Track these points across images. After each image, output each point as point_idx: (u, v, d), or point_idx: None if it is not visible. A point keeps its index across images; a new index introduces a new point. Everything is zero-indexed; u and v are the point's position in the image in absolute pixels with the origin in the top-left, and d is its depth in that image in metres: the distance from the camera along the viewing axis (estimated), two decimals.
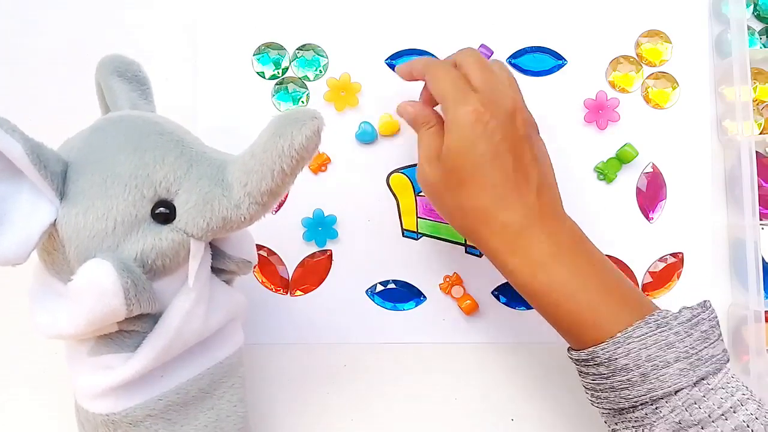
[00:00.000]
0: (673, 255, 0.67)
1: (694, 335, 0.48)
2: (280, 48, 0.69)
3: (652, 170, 0.67)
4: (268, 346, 0.67)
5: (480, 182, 0.52)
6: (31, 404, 0.66)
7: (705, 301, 0.50)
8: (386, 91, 0.68)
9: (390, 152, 0.68)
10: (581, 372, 0.52)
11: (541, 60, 0.68)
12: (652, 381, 0.47)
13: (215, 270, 0.52)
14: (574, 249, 0.52)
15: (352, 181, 0.68)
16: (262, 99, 0.68)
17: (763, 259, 0.63)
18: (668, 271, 0.67)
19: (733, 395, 0.47)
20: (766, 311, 0.62)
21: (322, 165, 0.68)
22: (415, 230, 0.68)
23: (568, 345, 0.54)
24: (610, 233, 0.66)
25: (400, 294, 0.67)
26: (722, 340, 0.50)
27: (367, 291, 0.68)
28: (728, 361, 0.49)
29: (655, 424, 0.47)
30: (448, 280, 0.67)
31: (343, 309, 0.68)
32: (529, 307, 0.67)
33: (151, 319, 0.48)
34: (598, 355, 0.49)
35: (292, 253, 0.68)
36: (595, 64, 0.68)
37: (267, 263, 0.68)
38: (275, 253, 0.68)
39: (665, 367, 0.47)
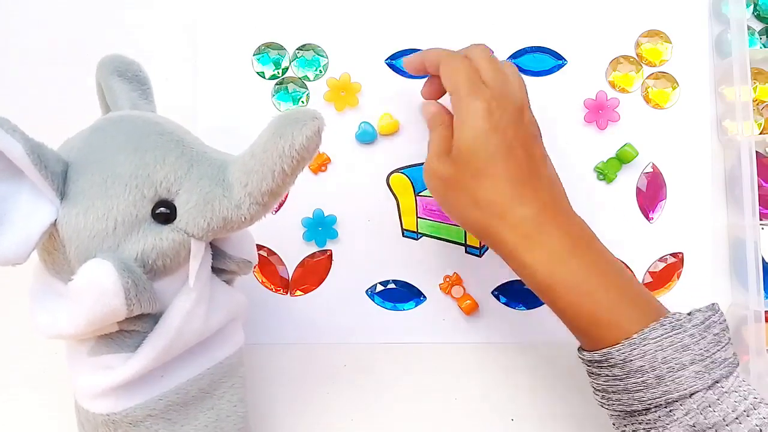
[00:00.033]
0: (673, 255, 0.67)
1: (708, 338, 0.47)
2: (280, 48, 0.69)
3: (652, 170, 0.67)
4: (268, 346, 0.67)
5: (495, 175, 0.51)
6: (31, 404, 0.66)
7: (713, 304, 0.50)
8: (386, 91, 0.68)
9: (390, 152, 0.68)
10: (592, 373, 0.52)
11: (541, 60, 0.68)
12: (668, 383, 0.46)
13: (216, 270, 0.52)
14: (590, 246, 0.52)
15: (352, 181, 0.68)
16: (262, 99, 0.68)
17: (763, 259, 0.63)
18: (668, 271, 0.67)
19: (746, 399, 0.46)
20: (766, 311, 0.62)
21: (322, 165, 0.68)
22: (415, 230, 0.68)
23: (579, 345, 0.53)
24: (610, 233, 0.66)
25: (400, 294, 0.67)
26: (731, 343, 0.49)
27: (367, 291, 0.68)
28: (738, 364, 0.49)
29: (668, 426, 0.47)
30: (448, 280, 0.67)
31: (343, 309, 0.68)
32: (529, 307, 0.67)
33: (152, 319, 0.48)
34: (613, 356, 0.48)
35: (292, 253, 0.68)
36: (595, 64, 0.68)
37: (267, 263, 0.68)
38: (275, 253, 0.68)
39: (681, 369, 0.46)
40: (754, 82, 0.67)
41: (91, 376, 0.47)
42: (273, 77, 0.68)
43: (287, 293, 0.68)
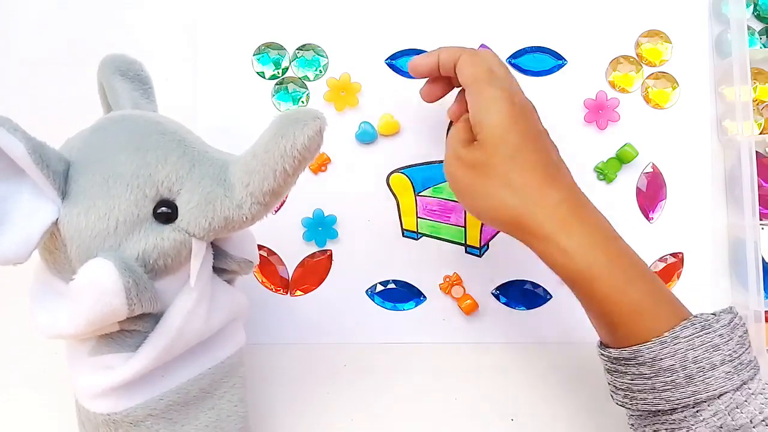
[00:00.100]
0: (673, 255, 0.67)
1: (734, 339, 0.47)
2: (280, 48, 0.69)
3: (652, 170, 0.67)
4: (269, 346, 0.67)
5: (527, 158, 0.50)
6: (31, 404, 0.66)
7: (731, 307, 0.49)
8: (386, 91, 0.68)
9: (390, 152, 0.68)
10: (616, 371, 0.50)
11: (541, 60, 0.68)
12: (698, 383, 0.46)
13: (217, 270, 0.52)
14: (619, 238, 0.51)
15: (352, 181, 0.68)
16: (262, 99, 0.68)
17: (763, 259, 0.63)
18: (668, 271, 0.67)
19: None
20: (766, 311, 0.62)
21: (322, 165, 0.68)
22: (415, 230, 0.68)
23: (599, 341, 0.52)
24: None
25: (400, 294, 0.67)
26: (751, 346, 0.49)
27: (367, 291, 0.68)
28: (759, 368, 0.48)
29: (694, 427, 0.46)
30: (448, 280, 0.67)
31: (343, 309, 0.68)
32: (529, 307, 0.67)
33: (153, 318, 0.48)
34: (642, 354, 0.47)
35: (292, 253, 0.68)
36: (595, 64, 0.68)
37: (267, 263, 0.68)
38: (275, 253, 0.68)
39: (711, 369, 0.46)
40: (754, 82, 0.67)
41: (92, 375, 0.47)
42: (273, 77, 0.68)
43: (287, 293, 0.68)
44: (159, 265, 0.46)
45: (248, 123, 0.68)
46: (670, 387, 0.47)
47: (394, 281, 0.67)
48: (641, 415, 0.50)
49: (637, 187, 0.67)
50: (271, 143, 0.43)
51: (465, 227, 0.67)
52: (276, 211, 0.67)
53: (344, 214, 0.68)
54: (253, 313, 0.65)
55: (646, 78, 0.68)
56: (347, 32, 0.69)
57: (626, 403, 0.50)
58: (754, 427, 0.45)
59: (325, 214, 0.67)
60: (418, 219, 0.68)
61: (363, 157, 0.68)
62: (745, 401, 0.45)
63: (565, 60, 0.68)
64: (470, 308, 0.66)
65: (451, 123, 0.62)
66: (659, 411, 0.48)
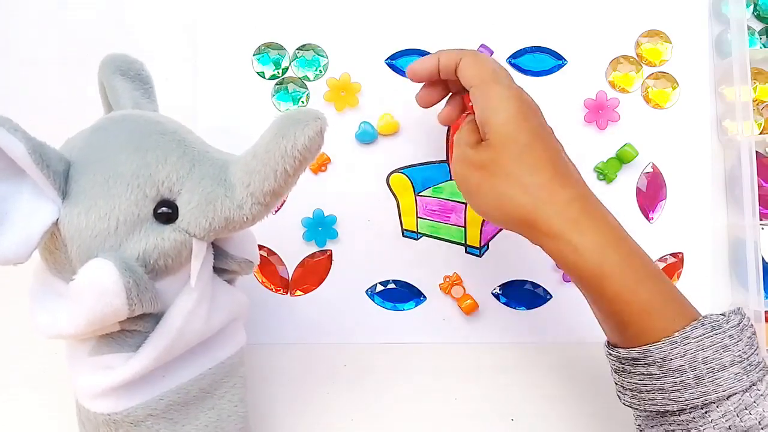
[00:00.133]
0: (673, 255, 0.67)
1: (744, 340, 0.46)
2: (280, 48, 0.69)
3: (652, 170, 0.67)
4: (269, 346, 0.67)
5: (537, 156, 0.50)
6: (31, 404, 0.66)
7: (739, 308, 0.49)
8: (386, 91, 0.68)
9: (390, 152, 0.68)
10: (624, 371, 0.50)
11: (541, 60, 0.68)
12: (707, 384, 0.45)
13: (217, 270, 0.52)
14: (629, 237, 0.50)
15: (352, 181, 0.68)
16: (262, 99, 0.68)
17: (763, 259, 0.63)
18: (668, 271, 0.67)
19: None
20: (766, 311, 0.62)
21: (322, 165, 0.68)
22: (415, 230, 0.68)
23: (607, 341, 0.52)
24: None
25: (400, 294, 0.67)
26: (759, 347, 0.48)
27: (367, 291, 0.68)
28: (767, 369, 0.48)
29: (702, 428, 0.46)
30: (448, 280, 0.67)
31: (343, 309, 0.68)
32: (529, 307, 0.67)
33: (153, 318, 0.48)
34: (652, 354, 0.46)
35: (292, 253, 0.68)
36: (595, 64, 0.68)
37: (267, 263, 0.68)
38: (275, 253, 0.68)
39: (721, 370, 0.45)
40: (754, 82, 0.67)
41: (93, 375, 0.47)
42: (273, 77, 0.68)
43: (287, 293, 0.68)
44: (159, 266, 0.46)
45: (248, 123, 0.68)
46: (679, 387, 0.46)
47: (394, 281, 0.67)
48: (649, 416, 0.50)
49: (637, 187, 0.67)
50: (272, 143, 0.43)
51: (465, 227, 0.67)
52: (276, 211, 0.67)
53: (344, 214, 0.68)
54: (253, 313, 0.65)
55: (646, 78, 0.68)
56: (347, 32, 0.69)
57: (634, 403, 0.50)
58: (762, 429, 0.45)
59: (325, 214, 0.67)
60: (418, 219, 0.68)
61: (363, 157, 0.68)
62: (754, 402, 0.45)
63: (565, 60, 0.68)
64: (470, 308, 0.66)
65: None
66: (667, 412, 0.48)
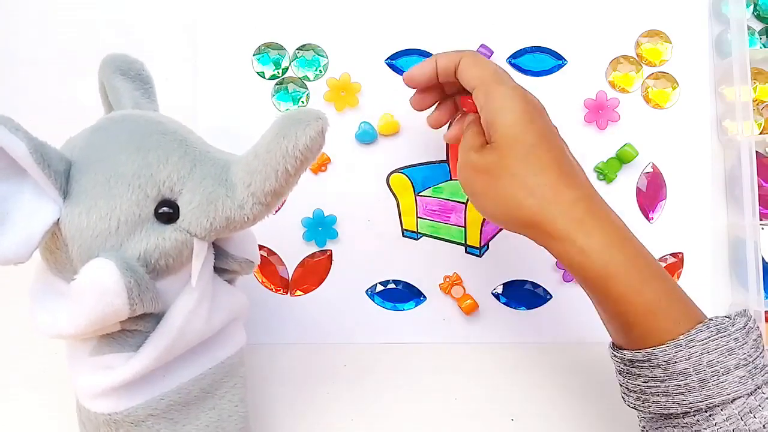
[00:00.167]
0: (673, 255, 0.67)
1: (749, 343, 0.46)
2: (280, 48, 0.69)
3: (652, 170, 0.67)
4: (269, 346, 0.67)
5: (542, 157, 0.50)
6: (31, 404, 0.66)
7: (745, 310, 0.49)
8: (386, 91, 0.68)
9: (390, 152, 0.68)
10: (628, 372, 0.49)
11: (541, 60, 0.68)
12: (711, 387, 0.45)
13: (218, 270, 0.52)
14: (634, 238, 0.50)
15: (352, 181, 0.68)
16: (262, 99, 0.68)
17: (763, 259, 0.63)
18: (668, 271, 0.66)
19: None
20: (766, 311, 0.62)
21: (322, 165, 0.68)
22: (415, 230, 0.68)
23: (612, 343, 0.52)
24: None
25: (400, 294, 0.67)
26: (764, 350, 0.48)
27: (367, 291, 0.68)
28: None
29: (706, 431, 0.46)
30: (448, 280, 0.67)
31: (343, 309, 0.68)
32: (529, 307, 0.67)
33: (154, 318, 0.48)
34: (656, 356, 0.46)
35: (292, 253, 0.68)
36: (595, 64, 0.68)
37: (267, 263, 0.68)
38: (275, 253, 0.68)
39: (726, 373, 0.45)
40: (754, 82, 0.67)
41: (93, 375, 0.47)
42: (273, 77, 0.68)
43: (287, 293, 0.68)
44: (160, 265, 0.46)
45: (248, 123, 0.68)
46: (683, 390, 0.46)
47: (394, 281, 0.67)
48: (653, 418, 0.50)
49: (637, 187, 0.67)
50: (273, 143, 0.43)
51: (465, 227, 0.67)
52: (276, 211, 0.67)
53: (344, 214, 0.68)
54: (253, 313, 0.65)
55: (646, 78, 0.68)
56: (347, 32, 0.69)
57: (638, 405, 0.50)
58: None
59: (325, 214, 0.67)
60: (418, 219, 0.68)
61: (363, 157, 0.68)
62: (759, 406, 0.45)
63: (565, 60, 0.68)
64: (470, 308, 0.66)
65: (450, 123, 0.62)
66: (671, 414, 0.48)
